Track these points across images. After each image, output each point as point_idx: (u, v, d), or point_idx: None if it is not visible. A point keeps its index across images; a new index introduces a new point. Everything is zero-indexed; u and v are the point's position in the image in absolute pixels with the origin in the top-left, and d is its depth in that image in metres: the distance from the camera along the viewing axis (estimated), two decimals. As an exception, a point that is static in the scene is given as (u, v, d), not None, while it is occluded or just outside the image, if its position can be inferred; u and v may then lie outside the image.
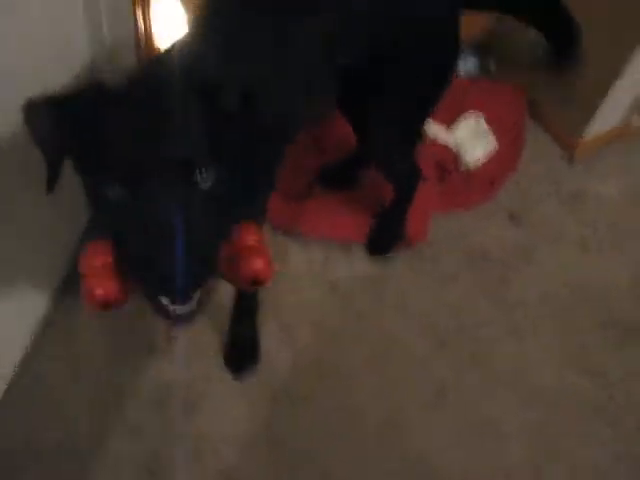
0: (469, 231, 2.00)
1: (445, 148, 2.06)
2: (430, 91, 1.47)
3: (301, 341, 1.73)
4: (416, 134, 1.61)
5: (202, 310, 0.99)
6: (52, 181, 0.97)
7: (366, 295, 1.84)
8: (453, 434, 1.63)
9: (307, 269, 1.86)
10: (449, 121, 2.10)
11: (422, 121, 1.57)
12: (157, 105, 0.94)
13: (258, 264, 0.99)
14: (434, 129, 2.07)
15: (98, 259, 0.96)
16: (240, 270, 0.99)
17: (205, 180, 0.93)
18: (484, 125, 2.11)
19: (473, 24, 2.15)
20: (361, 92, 1.44)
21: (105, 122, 0.92)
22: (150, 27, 1.68)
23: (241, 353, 1.70)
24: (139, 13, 1.62)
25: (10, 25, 1.18)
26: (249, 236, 1.01)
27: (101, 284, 0.95)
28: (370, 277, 1.87)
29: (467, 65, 2.32)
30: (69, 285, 1.73)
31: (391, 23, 1.32)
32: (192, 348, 1.69)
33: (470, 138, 2.06)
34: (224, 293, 1.69)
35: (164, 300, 0.94)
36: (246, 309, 1.66)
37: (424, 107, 1.51)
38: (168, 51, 1.22)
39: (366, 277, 1.87)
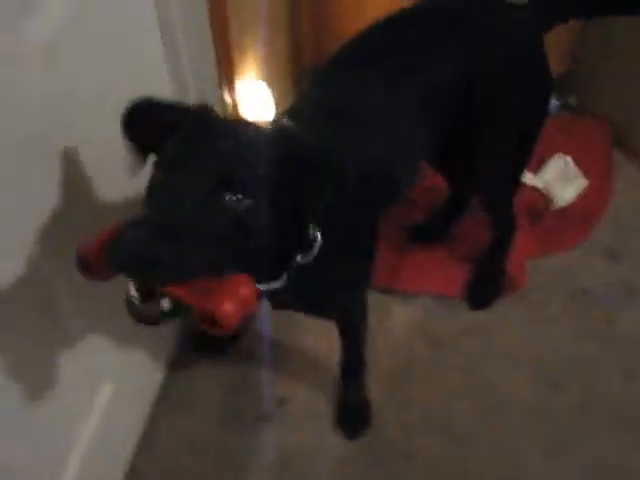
0: (569, 271, 1.98)
1: (534, 191, 2.06)
2: (532, 127, 1.52)
3: (409, 397, 1.73)
4: (519, 176, 1.64)
5: (175, 319, 0.97)
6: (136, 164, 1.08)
7: (470, 346, 1.83)
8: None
9: (409, 324, 1.87)
10: (535, 165, 2.10)
11: (526, 161, 1.60)
12: (235, 137, 1.00)
13: (226, 306, 0.93)
14: (522, 174, 2.07)
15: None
16: (205, 304, 0.94)
17: (235, 202, 0.95)
18: (572, 166, 2.10)
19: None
20: (457, 145, 1.47)
21: (189, 131, 1.00)
22: (237, 108, 1.76)
23: (352, 416, 1.71)
24: (226, 95, 1.71)
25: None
26: (239, 283, 0.97)
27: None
28: (473, 328, 1.86)
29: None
30: (180, 355, 1.80)
31: (486, 69, 1.37)
32: (305, 411, 1.72)
33: (560, 180, 2.05)
34: (332, 356, 1.71)
35: (132, 291, 0.94)
36: (352, 372, 1.67)
37: (527, 146, 1.55)
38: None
39: (468, 328, 1.86)
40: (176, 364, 1.80)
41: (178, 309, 0.95)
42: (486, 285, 1.91)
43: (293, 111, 1.33)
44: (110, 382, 1.48)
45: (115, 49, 1.27)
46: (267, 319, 1.81)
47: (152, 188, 0.99)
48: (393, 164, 1.30)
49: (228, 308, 0.92)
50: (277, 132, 1.06)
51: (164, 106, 1.08)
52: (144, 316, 0.96)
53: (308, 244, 1.11)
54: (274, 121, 1.30)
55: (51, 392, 1.26)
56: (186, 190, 0.92)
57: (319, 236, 1.11)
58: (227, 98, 1.65)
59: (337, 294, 1.34)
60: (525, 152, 1.58)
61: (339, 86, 1.34)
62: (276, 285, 1.11)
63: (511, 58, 1.39)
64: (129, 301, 0.95)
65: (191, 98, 1.52)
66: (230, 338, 1.83)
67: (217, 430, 1.69)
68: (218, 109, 1.67)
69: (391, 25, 1.42)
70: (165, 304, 0.94)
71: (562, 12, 1.50)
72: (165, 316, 0.96)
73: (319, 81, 1.40)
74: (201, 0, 1.46)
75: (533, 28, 1.45)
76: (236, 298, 0.94)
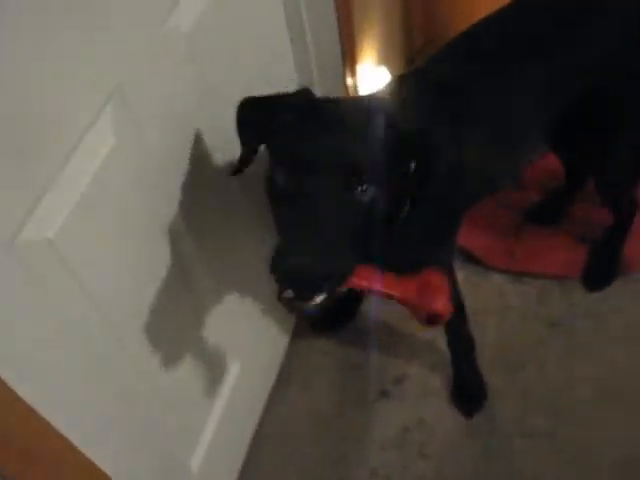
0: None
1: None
2: None
3: (525, 378, 1.74)
4: None
5: (331, 303, 1.02)
6: (242, 163, 1.13)
7: (588, 329, 1.81)
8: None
9: (523, 306, 1.87)
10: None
11: None
12: (346, 123, 1.04)
13: (438, 303, 1.04)
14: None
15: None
16: (420, 305, 1.05)
17: (362, 194, 0.99)
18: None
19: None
20: (579, 128, 1.46)
21: (299, 123, 1.04)
22: (356, 86, 1.80)
23: (468, 393, 1.73)
24: (348, 73, 1.75)
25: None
26: (434, 276, 1.07)
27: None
28: (588, 309, 1.84)
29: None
30: (300, 335, 1.88)
31: (623, 54, 1.34)
32: (422, 389, 1.75)
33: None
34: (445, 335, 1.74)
35: (287, 293, 0.99)
36: (460, 350, 1.69)
37: None
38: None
39: (585, 310, 1.84)
40: (296, 343, 1.87)
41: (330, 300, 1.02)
42: (603, 267, 1.88)
43: (401, 82, 1.35)
44: (238, 360, 1.57)
45: (247, 37, 1.33)
46: (377, 300, 1.85)
47: (280, 192, 1.03)
48: (486, 158, 1.31)
49: (443, 305, 1.05)
50: (380, 112, 1.07)
51: (269, 97, 1.12)
52: (301, 310, 1.02)
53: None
54: (375, 96, 1.32)
55: (189, 366, 1.35)
56: (321, 194, 0.97)
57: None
58: (349, 81, 1.69)
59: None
60: None
61: (450, 66, 1.34)
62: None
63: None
64: (287, 302, 1.01)
65: (315, 81, 1.57)
66: (346, 318, 1.88)
67: (337, 406, 1.75)
68: (340, 92, 1.74)
69: (520, 7, 1.39)
70: (319, 299, 1.00)
71: None
72: (318, 306, 1.01)
73: (432, 59, 1.40)
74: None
75: None
76: (445, 293, 1.07)
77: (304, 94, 1.12)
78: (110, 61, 0.95)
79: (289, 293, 0.98)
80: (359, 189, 0.99)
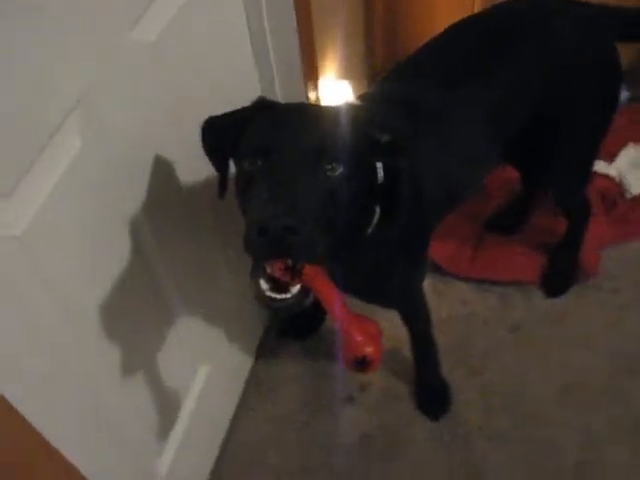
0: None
1: (607, 179, 2.08)
2: (603, 122, 1.55)
3: (489, 381, 1.78)
4: (591, 167, 1.67)
5: (304, 305, 1.04)
6: (221, 184, 1.18)
7: (548, 332, 1.86)
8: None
9: (485, 312, 1.92)
10: (608, 154, 2.13)
11: (597, 152, 1.63)
12: (311, 115, 1.10)
13: (371, 347, 1.10)
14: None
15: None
16: (354, 343, 1.10)
17: (331, 169, 1.01)
18: (644, 154, 2.11)
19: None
20: (530, 143, 1.54)
21: (263, 118, 1.08)
22: (319, 101, 1.84)
23: (431, 398, 1.76)
24: (310, 88, 1.79)
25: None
26: (372, 323, 1.14)
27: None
28: (549, 314, 1.90)
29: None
30: (267, 341, 1.91)
31: (560, 74, 1.41)
32: (386, 395, 1.78)
33: (633, 168, 2.07)
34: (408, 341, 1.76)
35: (263, 285, 1.01)
36: (424, 354, 1.73)
37: (599, 137, 1.58)
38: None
39: (545, 314, 1.90)
40: (264, 349, 1.90)
41: (304, 298, 1.04)
42: (561, 273, 1.94)
43: (362, 98, 1.41)
44: (206, 364, 1.59)
45: (211, 50, 1.37)
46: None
47: (247, 175, 1.04)
48: (447, 169, 1.36)
49: (375, 351, 1.10)
50: (345, 110, 1.13)
51: (228, 114, 1.16)
52: (280, 307, 1.03)
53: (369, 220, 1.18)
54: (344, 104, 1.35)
55: (155, 372, 1.37)
56: (293, 169, 0.99)
57: (378, 210, 1.17)
58: (311, 95, 1.73)
59: (394, 277, 1.38)
60: (597, 144, 1.60)
61: (407, 84, 1.40)
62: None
63: (584, 61, 1.42)
64: (260, 292, 1.02)
65: (278, 95, 1.61)
66: (313, 326, 1.91)
67: (304, 412, 1.77)
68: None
69: (464, 31, 1.47)
70: (294, 290, 1.02)
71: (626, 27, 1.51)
72: (293, 305, 1.03)
73: (389, 78, 1.46)
74: (290, 9, 1.56)
75: (605, 28, 1.45)
76: (378, 342, 1.12)
77: (261, 101, 1.16)
78: (77, 66, 0.98)
79: (265, 286, 1.00)
80: (327, 165, 1.01)
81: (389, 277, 1.37)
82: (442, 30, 1.47)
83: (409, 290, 1.50)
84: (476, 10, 1.78)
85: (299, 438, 1.73)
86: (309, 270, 1.04)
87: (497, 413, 1.72)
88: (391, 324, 1.64)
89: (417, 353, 1.72)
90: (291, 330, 1.92)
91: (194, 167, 1.33)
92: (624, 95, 2.33)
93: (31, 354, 0.97)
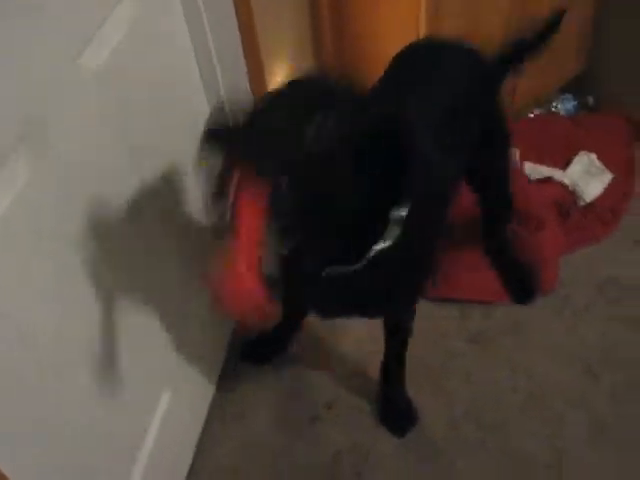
0: (598, 263, 2.03)
1: (561, 187, 2.12)
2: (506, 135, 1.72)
3: (452, 393, 1.79)
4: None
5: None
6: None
7: (508, 342, 1.88)
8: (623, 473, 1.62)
9: (446, 325, 1.94)
10: (561, 163, 2.17)
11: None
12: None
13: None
14: (548, 171, 2.14)
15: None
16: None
17: (323, 120, 0.95)
18: (596, 161, 2.16)
19: (566, 69, 2.25)
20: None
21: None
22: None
23: (397, 414, 1.76)
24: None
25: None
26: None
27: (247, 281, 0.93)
28: (508, 324, 1.92)
29: (566, 105, 2.39)
30: (232, 364, 1.89)
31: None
32: (353, 412, 1.78)
33: (585, 175, 2.12)
34: (371, 359, 1.77)
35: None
36: (394, 371, 1.73)
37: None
38: None
39: (505, 325, 1.92)
40: (229, 372, 1.88)
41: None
42: (521, 278, 1.97)
43: None
44: (169, 390, 1.56)
45: (159, 75, 1.38)
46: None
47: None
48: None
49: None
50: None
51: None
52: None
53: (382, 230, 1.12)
54: None
55: (118, 397, 1.34)
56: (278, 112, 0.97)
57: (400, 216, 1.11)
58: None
59: (401, 292, 1.39)
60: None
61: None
62: (353, 267, 1.15)
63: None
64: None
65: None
66: (276, 349, 1.91)
67: (271, 432, 1.76)
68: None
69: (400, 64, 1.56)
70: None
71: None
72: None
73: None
74: (233, 25, 1.56)
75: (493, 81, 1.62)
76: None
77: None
78: (23, 92, 0.97)
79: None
80: (319, 117, 0.96)
81: (405, 284, 1.37)
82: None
83: (413, 301, 1.51)
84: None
85: (267, 461, 1.71)
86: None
87: (462, 425, 1.73)
88: (356, 340, 1.62)
89: (388, 369, 1.72)
90: (253, 354, 1.90)
91: (148, 192, 1.32)
92: (572, 104, 2.39)
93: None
